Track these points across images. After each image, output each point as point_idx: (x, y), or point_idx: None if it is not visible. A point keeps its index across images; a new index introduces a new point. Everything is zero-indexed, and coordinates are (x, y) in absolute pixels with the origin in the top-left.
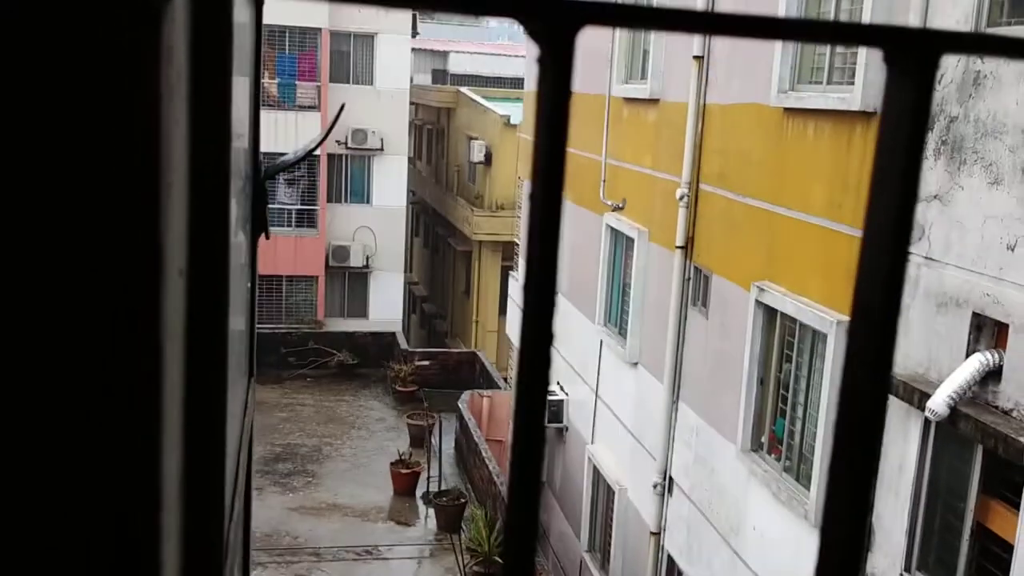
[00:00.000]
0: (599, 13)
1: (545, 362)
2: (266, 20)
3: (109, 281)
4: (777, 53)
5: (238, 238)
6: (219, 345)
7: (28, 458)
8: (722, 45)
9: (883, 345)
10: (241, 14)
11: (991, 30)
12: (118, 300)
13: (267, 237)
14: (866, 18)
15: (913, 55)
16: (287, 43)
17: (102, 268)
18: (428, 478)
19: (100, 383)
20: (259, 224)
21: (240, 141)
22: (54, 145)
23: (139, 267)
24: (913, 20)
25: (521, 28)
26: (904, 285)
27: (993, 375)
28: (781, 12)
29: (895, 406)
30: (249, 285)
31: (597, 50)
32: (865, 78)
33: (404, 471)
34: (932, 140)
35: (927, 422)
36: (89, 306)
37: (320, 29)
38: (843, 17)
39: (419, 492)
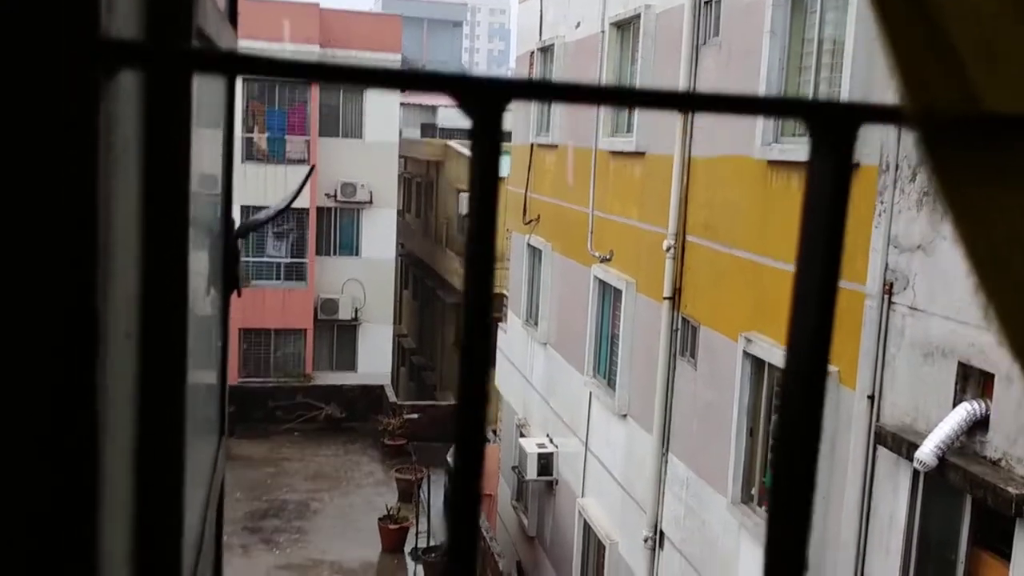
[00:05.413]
0: (523, 89)
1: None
2: (256, 75)
3: (38, 346)
4: None
5: (209, 295)
6: (175, 405)
7: None
8: None
9: (808, 448)
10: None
11: None
12: (49, 363)
13: (239, 294)
14: (844, 85)
15: (833, 127)
16: (277, 98)
17: (31, 331)
18: (417, 533)
19: (33, 446)
20: (231, 281)
21: (211, 199)
22: None
23: (71, 330)
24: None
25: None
26: (829, 352)
27: (980, 425)
28: (762, 80)
29: (884, 457)
30: (220, 343)
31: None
32: None
33: (392, 527)
34: (915, 191)
35: (916, 473)
36: (19, 367)
37: (309, 84)
38: (827, 46)
39: (408, 548)
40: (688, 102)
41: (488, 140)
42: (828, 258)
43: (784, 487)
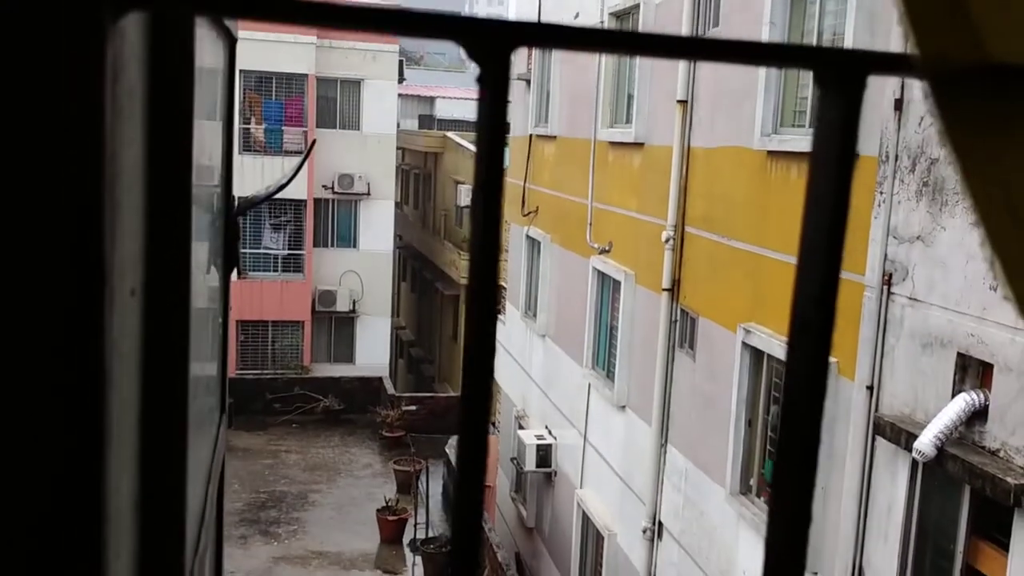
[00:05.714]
0: (531, 34)
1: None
2: (252, 66)
3: (47, 295)
4: (760, 96)
5: (210, 275)
6: (179, 360)
7: None
8: (706, 89)
9: (818, 356)
10: (211, 55)
11: None
12: (58, 314)
13: (239, 275)
14: (848, 35)
15: (842, 75)
16: (274, 89)
17: (40, 280)
18: (415, 525)
19: (39, 399)
20: (231, 260)
21: (212, 179)
22: None
23: (81, 283)
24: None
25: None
26: (837, 299)
27: (979, 415)
28: (762, 71)
29: (883, 447)
30: (221, 321)
31: (582, 94)
32: None
33: (391, 518)
34: (914, 182)
35: (915, 463)
36: (28, 317)
37: (307, 75)
38: (827, 37)
39: (406, 539)
40: (693, 48)
41: (496, 84)
42: (836, 210)
43: (785, 478)
